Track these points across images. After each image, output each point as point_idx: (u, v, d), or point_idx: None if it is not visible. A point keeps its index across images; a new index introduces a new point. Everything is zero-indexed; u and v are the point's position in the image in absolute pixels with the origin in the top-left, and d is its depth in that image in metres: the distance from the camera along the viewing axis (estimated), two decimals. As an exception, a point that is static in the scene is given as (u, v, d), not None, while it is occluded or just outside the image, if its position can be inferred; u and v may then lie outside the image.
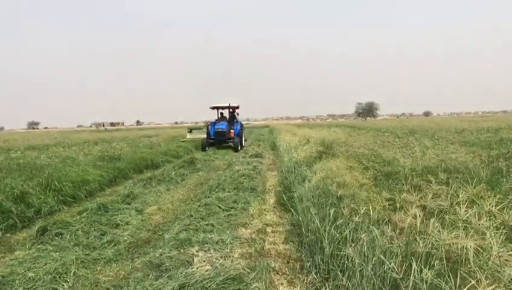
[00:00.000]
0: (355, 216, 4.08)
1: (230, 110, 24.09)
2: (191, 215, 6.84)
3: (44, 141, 27.73)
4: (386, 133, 20.31)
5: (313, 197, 5.74)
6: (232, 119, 23.86)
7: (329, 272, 3.99)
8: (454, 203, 3.37)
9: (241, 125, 23.65)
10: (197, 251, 5.07)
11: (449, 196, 3.46)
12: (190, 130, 25.75)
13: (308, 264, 4.46)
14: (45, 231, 6.09)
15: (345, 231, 4.01)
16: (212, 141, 22.35)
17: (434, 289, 2.42)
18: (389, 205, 4.36)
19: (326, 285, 3.85)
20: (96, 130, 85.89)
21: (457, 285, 2.35)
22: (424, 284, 2.46)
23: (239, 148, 20.97)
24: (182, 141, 23.58)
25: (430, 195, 3.96)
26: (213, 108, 23.62)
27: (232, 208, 7.41)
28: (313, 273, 4.21)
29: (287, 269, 4.63)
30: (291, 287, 4.11)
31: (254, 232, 6.04)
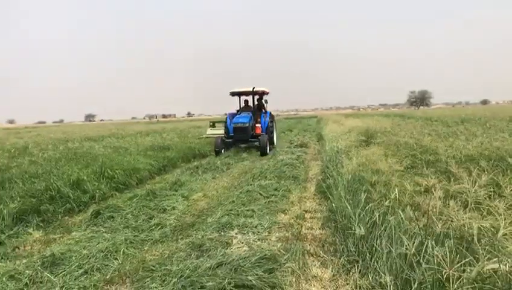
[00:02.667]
0: (386, 201, 4.21)
1: (256, 96, 18.01)
2: (233, 202, 7.15)
3: (99, 133, 29.09)
4: (435, 122, 19.79)
5: (347, 183, 5.88)
6: (259, 109, 17.87)
7: (359, 254, 4.14)
8: (479, 188, 3.43)
9: (272, 117, 17.64)
10: (236, 234, 5.37)
11: (474, 181, 3.51)
12: (213, 124, 19.20)
13: (342, 247, 4.63)
14: (98, 215, 6.58)
15: (374, 215, 4.15)
16: (230, 140, 16.29)
17: (442, 264, 2.54)
18: (418, 190, 4.45)
19: (356, 266, 4.01)
20: (149, 122, 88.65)
21: (461, 260, 2.47)
22: (435, 260, 2.59)
23: (267, 149, 15.19)
24: (199, 138, 18.84)
25: (456, 181, 4.02)
26: (233, 94, 17.45)
27: (272, 195, 7.65)
28: (345, 255, 4.37)
29: (321, 251, 4.81)
30: (323, 269, 4.30)
31: (292, 218, 6.26)
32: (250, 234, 5.36)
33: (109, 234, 5.69)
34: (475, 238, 2.58)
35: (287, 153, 14.34)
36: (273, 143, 17.24)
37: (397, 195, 3.98)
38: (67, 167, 9.40)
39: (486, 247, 2.55)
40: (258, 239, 5.19)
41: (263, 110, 17.79)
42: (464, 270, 2.41)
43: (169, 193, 8.27)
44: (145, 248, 5.29)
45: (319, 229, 5.74)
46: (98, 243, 5.31)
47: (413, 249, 2.91)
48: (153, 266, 4.55)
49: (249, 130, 15.83)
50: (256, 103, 18.05)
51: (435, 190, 3.47)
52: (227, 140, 16.16)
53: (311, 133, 26.65)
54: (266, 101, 17.83)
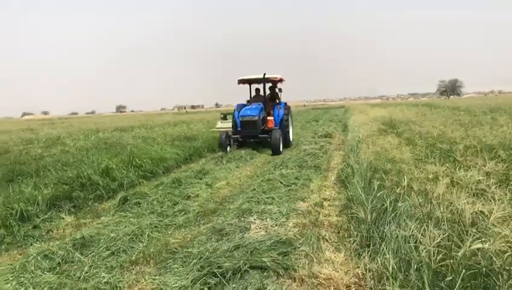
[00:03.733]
0: (397, 188, 4.35)
1: (268, 84, 15.41)
2: (254, 190, 7.38)
3: (129, 123, 29.84)
4: (462, 112, 19.49)
5: (364, 172, 6.02)
6: (273, 99, 15.44)
7: (370, 239, 4.30)
8: (486, 176, 3.54)
9: (287, 108, 15.03)
10: (254, 219, 5.60)
11: (480, 169, 3.62)
12: (224, 116, 17.22)
13: (355, 233, 4.79)
14: (126, 201, 6.92)
15: (386, 202, 4.30)
16: (238, 135, 14.08)
17: (437, 245, 2.69)
18: (429, 178, 4.56)
19: (367, 250, 4.18)
20: (177, 112, 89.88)
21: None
22: (432, 242, 2.74)
23: (280, 147, 12.98)
24: (212, 131, 16.96)
25: (465, 170, 4.12)
26: (242, 82, 15.15)
27: (293, 183, 7.84)
28: (357, 240, 4.54)
29: (336, 237, 4.99)
30: (336, 253, 4.48)
31: (311, 206, 6.44)
32: (268, 219, 5.58)
33: (135, 219, 6.02)
34: (468, 221, 2.72)
35: (311, 143, 14.49)
36: (289, 140, 14.52)
37: (405, 183, 4.11)
38: (97, 156, 9.85)
39: (479, 229, 2.69)
40: (276, 225, 5.40)
41: (277, 101, 15.39)
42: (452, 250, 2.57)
43: (194, 181, 8.59)
44: (169, 232, 5.58)
45: (336, 216, 5.91)
46: (125, 227, 5.64)
47: (417, 233, 3.06)
48: (175, 249, 4.84)
49: (259, 124, 13.51)
50: (269, 92, 15.58)
51: (442, 178, 3.59)
52: (233, 136, 14.11)
53: (337, 123, 26.60)
54: (280, 90, 15.29)
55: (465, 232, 2.76)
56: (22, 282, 4.11)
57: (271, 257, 4.15)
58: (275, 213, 5.95)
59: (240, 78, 14.92)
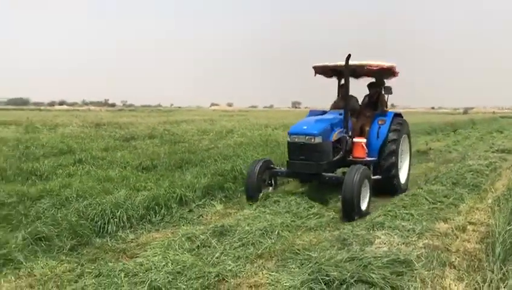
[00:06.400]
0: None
1: (368, 76, 9.43)
2: (394, 203, 7.19)
3: (297, 119, 30.86)
4: None
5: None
6: (374, 103, 9.30)
7: (505, 273, 3.93)
8: None
9: (399, 122, 8.77)
10: (382, 234, 5.53)
11: None
12: None
13: (485, 264, 4.44)
14: (268, 197, 7.44)
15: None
16: (288, 171, 7.98)
17: None
18: None
19: (490, 286, 3.85)
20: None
21: None
22: None
23: (362, 204, 6.97)
24: None
25: None
26: (320, 72, 9.22)
27: (440, 201, 7.43)
28: (484, 273, 4.20)
29: (465, 265, 4.67)
30: (457, 282, 4.23)
31: (451, 228, 6.07)
32: (395, 236, 5.45)
33: (271, 216, 6.46)
34: None
35: (480, 159, 13.16)
36: (396, 182, 8.43)
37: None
38: (253, 151, 10.71)
39: None
40: (403, 243, 5.26)
41: (380, 108, 9.08)
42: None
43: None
44: (298, 233, 5.92)
45: (475, 243, 5.49)
46: (260, 222, 6.11)
47: None
48: (298, 250, 5.13)
49: (324, 152, 7.51)
50: (371, 95, 9.40)
51: None
52: (280, 170, 8.21)
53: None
54: (389, 91, 9.23)
55: None
56: (165, 257, 4.85)
57: (383, 274, 4.12)
58: (407, 231, 5.76)
59: (316, 64, 9.00)
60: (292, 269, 4.58)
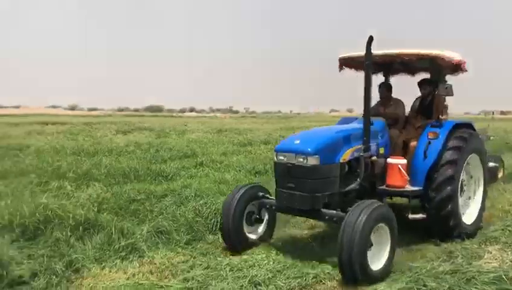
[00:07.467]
0: None
1: (421, 70, 7.44)
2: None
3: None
4: None
5: None
6: (427, 108, 6.72)
7: None
8: None
9: (463, 139, 6.05)
10: (494, 249, 5.21)
11: None
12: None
13: None
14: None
15: None
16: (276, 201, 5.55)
17: None
18: None
19: None
20: (483, 118, 79.97)
21: None
22: None
23: (372, 268, 4.57)
24: None
25: None
26: (348, 64, 6.85)
27: None
28: None
29: None
30: None
31: None
32: (510, 253, 5.09)
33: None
34: None
35: None
36: (454, 228, 5.87)
37: None
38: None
39: None
40: (517, 259, 4.91)
41: (435, 115, 6.55)
42: None
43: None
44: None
45: None
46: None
47: None
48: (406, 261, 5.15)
49: (324, 179, 5.21)
50: (423, 97, 6.97)
51: None
52: (268, 201, 5.77)
53: None
54: (448, 91, 6.48)
55: None
56: (268, 256, 5.17)
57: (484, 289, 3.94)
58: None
59: (344, 55, 6.72)
60: (394, 277, 4.63)
